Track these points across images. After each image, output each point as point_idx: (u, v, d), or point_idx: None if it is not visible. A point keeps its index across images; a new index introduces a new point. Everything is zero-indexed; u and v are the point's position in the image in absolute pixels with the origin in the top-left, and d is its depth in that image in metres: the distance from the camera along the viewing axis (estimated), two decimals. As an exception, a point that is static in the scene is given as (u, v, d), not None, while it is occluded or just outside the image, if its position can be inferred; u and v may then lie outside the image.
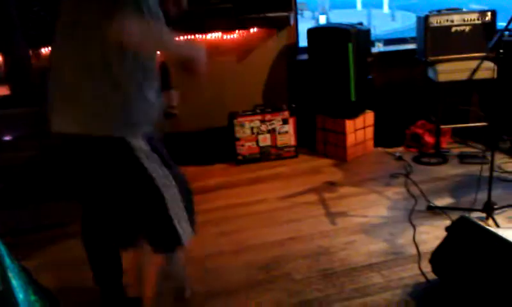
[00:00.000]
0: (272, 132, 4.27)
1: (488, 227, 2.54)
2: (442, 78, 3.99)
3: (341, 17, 14.81)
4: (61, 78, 1.91)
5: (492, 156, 2.99)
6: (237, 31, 4.24)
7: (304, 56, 4.36)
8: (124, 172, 1.98)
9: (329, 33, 4.12)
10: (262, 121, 4.24)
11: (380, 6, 19.62)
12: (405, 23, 15.78)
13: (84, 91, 1.87)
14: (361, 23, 4.22)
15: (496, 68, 3.67)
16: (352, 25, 4.07)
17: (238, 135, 4.23)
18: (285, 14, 4.22)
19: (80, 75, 1.86)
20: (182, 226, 2.08)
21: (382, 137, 4.37)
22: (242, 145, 4.25)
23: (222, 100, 4.32)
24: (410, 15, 17.38)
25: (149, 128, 2.02)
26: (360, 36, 4.05)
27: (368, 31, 4.20)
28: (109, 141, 1.91)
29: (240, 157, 4.27)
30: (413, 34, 4.44)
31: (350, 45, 3.94)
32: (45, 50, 3.96)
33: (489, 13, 3.96)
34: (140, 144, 1.96)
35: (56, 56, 1.98)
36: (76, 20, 1.85)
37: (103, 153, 1.95)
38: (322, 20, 15.08)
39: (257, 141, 4.26)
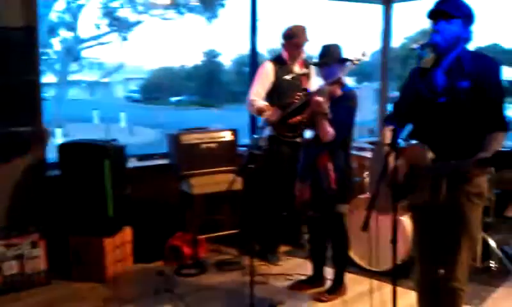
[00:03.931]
0: (19, 257, 3.75)
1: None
2: (195, 191, 4.25)
3: (79, 131, 14.52)
4: None
5: (251, 262, 3.25)
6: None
7: (55, 172, 4.07)
8: None
9: (84, 149, 4.00)
10: (7, 247, 3.70)
11: (117, 120, 20.13)
12: (144, 138, 16.44)
13: None
14: (115, 140, 4.23)
15: (242, 180, 4.08)
16: (107, 141, 4.06)
17: (-25, 266, 3.59)
18: (31, 129, 3.96)
19: None
20: None
21: (142, 252, 4.29)
22: (-19, 277, 3.60)
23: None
24: (148, 131, 18.29)
25: None
26: (115, 152, 4.04)
27: (123, 147, 4.21)
28: None
29: (-23, 292, 3.59)
30: (154, 148, 4.67)
31: (106, 161, 3.87)
32: None
33: (231, 132, 4.45)
34: None
35: None
36: None
37: None
38: (59, 134, 14.53)
39: (1, 270, 3.67)
